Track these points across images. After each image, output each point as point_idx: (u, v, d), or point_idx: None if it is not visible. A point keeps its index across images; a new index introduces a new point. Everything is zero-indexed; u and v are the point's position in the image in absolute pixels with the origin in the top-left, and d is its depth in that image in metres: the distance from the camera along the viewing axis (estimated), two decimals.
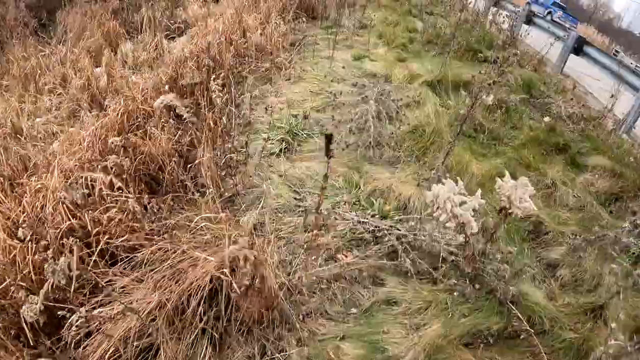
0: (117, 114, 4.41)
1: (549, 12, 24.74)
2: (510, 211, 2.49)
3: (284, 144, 4.80)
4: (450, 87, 6.31)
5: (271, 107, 5.15)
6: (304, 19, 9.32)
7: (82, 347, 2.32)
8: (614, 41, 30.48)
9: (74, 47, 8.79)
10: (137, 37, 9.85)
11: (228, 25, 7.60)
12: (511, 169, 4.60)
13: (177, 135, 4.13)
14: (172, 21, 10.55)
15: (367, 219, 3.69)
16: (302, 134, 5.06)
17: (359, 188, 4.17)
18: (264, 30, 7.64)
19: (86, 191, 2.86)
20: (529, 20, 10.99)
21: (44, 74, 7.58)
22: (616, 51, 23.33)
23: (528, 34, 9.97)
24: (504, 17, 9.53)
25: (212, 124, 4.27)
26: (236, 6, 8.87)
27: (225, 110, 4.39)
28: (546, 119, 5.92)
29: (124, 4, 11.10)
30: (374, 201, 3.99)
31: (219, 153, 4.11)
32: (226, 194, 3.91)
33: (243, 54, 6.96)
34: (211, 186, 3.64)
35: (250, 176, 4.22)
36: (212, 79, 4.18)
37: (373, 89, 6.06)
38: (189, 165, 3.88)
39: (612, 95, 6.61)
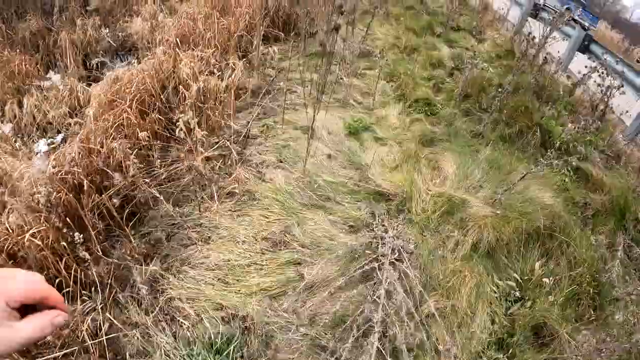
0: None
1: (568, 9, 21.49)
2: None
3: None
4: (521, 245, 3.45)
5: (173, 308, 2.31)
6: (281, 38, 6.18)
7: None
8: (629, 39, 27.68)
9: None
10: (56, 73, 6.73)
11: (155, 75, 4.47)
12: None
13: None
14: (111, 40, 7.44)
15: None
16: None
17: None
18: (206, 83, 4.48)
19: None
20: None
21: None
22: None
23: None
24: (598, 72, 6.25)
25: None
26: (181, 31, 5.68)
27: None
28: None
29: (50, 23, 7.66)
30: None
31: None
32: None
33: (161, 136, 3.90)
34: None
35: None
36: None
37: (381, 244, 3.16)
38: None
39: None
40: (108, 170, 3.34)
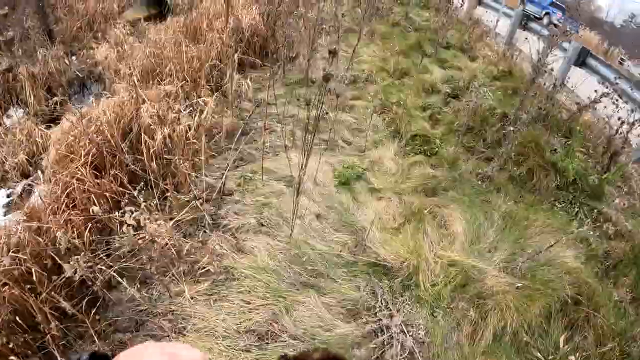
0: None
1: (547, 14, 21.51)
2: None
3: None
4: (545, 320, 2.96)
5: None
6: (258, 64, 5.59)
7: None
8: (608, 40, 27.93)
9: None
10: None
11: (115, 121, 3.89)
12: None
13: None
14: (77, 71, 6.78)
15: None
16: None
17: None
18: (173, 129, 3.88)
19: None
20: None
21: None
22: (622, 59, 20.63)
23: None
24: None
25: None
26: (147, 62, 5.07)
27: None
28: None
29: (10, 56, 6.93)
30: None
31: None
32: None
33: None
34: None
35: None
36: None
37: (387, 336, 2.62)
38: None
39: None
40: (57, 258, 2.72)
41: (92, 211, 3.02)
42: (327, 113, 4.82)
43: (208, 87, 5.30)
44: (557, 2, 22.37)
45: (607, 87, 4.62)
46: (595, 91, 4.66)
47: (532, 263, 3.33)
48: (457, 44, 7.49)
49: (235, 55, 5.47)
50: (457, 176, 4.14)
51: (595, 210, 4.28)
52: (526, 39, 6.79)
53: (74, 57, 8.02)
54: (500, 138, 4.54)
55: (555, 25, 22.60)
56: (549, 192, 4.27)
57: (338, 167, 4.15)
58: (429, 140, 4.52)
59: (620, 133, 4.27)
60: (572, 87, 7.19)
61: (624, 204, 4.42)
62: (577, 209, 4.23)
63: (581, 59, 7.52)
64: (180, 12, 9.21)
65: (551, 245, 3.15)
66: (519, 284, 3.20)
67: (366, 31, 7.14)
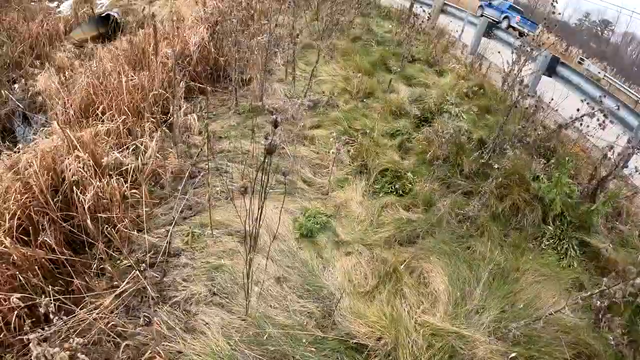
0: None
1: (506, 17, 21.85)
2: None
3: None
4: None
5: None
6: (208, 90, 5.05)
7: None
8: (565, 40, 28.85)
9: None
10: None
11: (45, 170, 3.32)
12: None
13: None
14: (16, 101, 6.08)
15: None
16: None
17: None
18: (107, 185, 3.31)
19: None
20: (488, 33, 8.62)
21: None
22: (581, 59, 21.18)
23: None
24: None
25: None
26: (85, 94, 4.46)
27: None
28: None
29: None
30: None
31: None
32: None
33: None
34: None
35: None
36: None
37: None
38: None
39: None
40: None
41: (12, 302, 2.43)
42: (283, 148, 4.31)
43: (153, 119, 4.69)
44: (515, 6, 22.73)
45: (588, 104, 4.31)
46: (577, 109, 4.35)
47: (522, 316, 2.94)
48: (423, 57, 7.15)
49: (182, 83, 4.91)
50: (434, 219, 3.70)
51: (585, 244, 3.96)
52: (499, 52, 6.52)
53: (16, 85, 7.28)
54: (479, 168, 4.15)
55: (514, 28, 23.03)
56: (535, 227, 3.90)
57: (299, 215, 3.64)
58: (400, 175, 4.08)
59: (609, 158, 3.96)
60: (552, 102, 7.01)
61: (612, 238, 4.13)
62: (566, 245, 3.88)
63: (551, 68, 7.36)
64: (131, 30, 8.55)
65: (543, 318, 2.74)
66: (513, 354, 2.77)
67: (326, 47, 6.69)
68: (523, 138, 4.17)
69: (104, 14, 9.01)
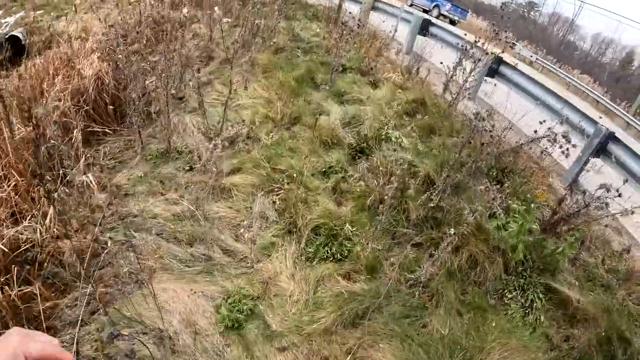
0: None
1: (436, 6, 21.97)
2: None
3: None
4: None
5: None
6: (111, 131, 4.19)
7: None
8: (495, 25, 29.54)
9: None
10: None
11: None
12: None
13: None
14: None
15: None
16: None
17: None
18: None
19: None
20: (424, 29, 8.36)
21: None
22: (513, 43, 21.67)
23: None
24: None
25: None
26: None
27: None
28: None
29: None
30: None
31: None
32: None
33: None
34: None
35: None
36: None
37: None
38: None
39: None
40: None
41: None
42: (197, 210, 3.53)
43: (50, 178, 3.70)
44: None
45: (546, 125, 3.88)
46: (535, 131, 3.92)
47: None
48: (355, 65, 6.54)
49: (78, 130, 3.97)
50: (381, 289, 3.09)
51: (551, 290, 3.54)
52: (441, 62, 6.05)
53: None
54: (428, 212, 3.59)
55: (444, 16, 23.14)
56: (496, 280, 3.42)
57: (221, 300, 2.90)
58: (336, 233, 3.42)
59: (575, 193, 3.54)
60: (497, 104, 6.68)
61: (578, 275, 3.74)
62: (531, 296, 3.43)
63: (494, 69, 7.05)
64: (37, 52, 7.22)
65: None
66: None
67: (245, 63, 5.89)
68: (475, 167, 3.66)
69: (7, 35, 7.58)
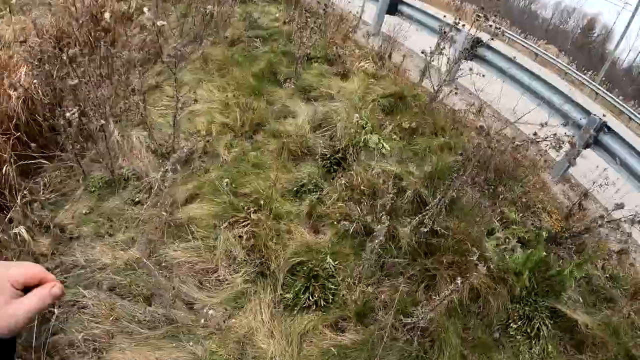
0: None
1: None
2: None
3: None
4: None
5: None
6: (48, 160, 3.57)
7: None
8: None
9: None
10: None
11: None
12: None
13: None
14: None
15: None
16: None
17: None
18: None
19: None
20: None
21: None
22: (477, 16, 21.35)
23: None
24: None
25: None
26: None
27: None
28: None
29: None
30: None
31: None
32: None
33: None
34: None
35: None
36: None
37: None
38: None
39: None
40: None
41: None
42: (150, 254, 2.98)
43: None
44: None
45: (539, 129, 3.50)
46: (535, 133, 3.54)
47: None
48: (321, 53, 5.97)
49: (6, 167, 3.31)
50: (374, 336, 2.67)
51: (557, 314, 3.24)
52: (422, 52, 5.57)
53: None
54: (421, 238, 3.18)
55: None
56: (501, 311, 3.07)
57: None
58: (317, 272, 2.95)
59: (585, 209, 3.20)
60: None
61: (582, 291, 3.46)
62: (537, 324, 3.11)
63: (474, 51, 6.69)
64: None
65: None
66: None
67: (197, 58, 5.23)
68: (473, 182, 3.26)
69: None
